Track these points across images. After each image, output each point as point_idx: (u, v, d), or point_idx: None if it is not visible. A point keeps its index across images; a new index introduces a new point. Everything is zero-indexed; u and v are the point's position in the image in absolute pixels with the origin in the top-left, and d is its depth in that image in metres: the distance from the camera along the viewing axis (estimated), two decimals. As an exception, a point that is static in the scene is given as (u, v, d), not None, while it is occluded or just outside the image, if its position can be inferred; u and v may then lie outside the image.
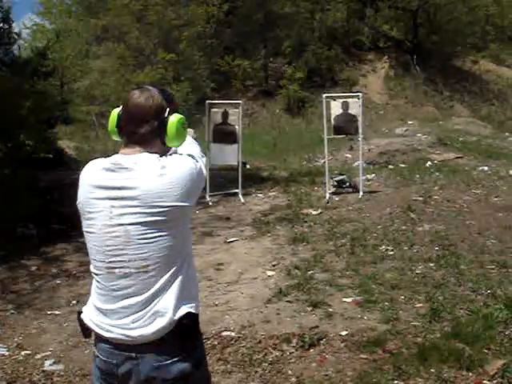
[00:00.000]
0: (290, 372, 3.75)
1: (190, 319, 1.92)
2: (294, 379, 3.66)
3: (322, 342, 4.12)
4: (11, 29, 12.55)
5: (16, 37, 12.53)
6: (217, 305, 5.04)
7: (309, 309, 4.74)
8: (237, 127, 9.44)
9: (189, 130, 2.25)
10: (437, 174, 10.35)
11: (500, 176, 9.78)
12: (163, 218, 1.86)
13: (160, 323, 1.88)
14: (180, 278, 1.92)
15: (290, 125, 19.99)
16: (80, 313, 2.05)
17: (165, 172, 1.87)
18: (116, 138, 2.06)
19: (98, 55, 22.78)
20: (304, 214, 8.11)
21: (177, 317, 1.89)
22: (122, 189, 1.87)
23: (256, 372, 3.78)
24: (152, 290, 1.88)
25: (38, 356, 4.33)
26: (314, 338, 4.15)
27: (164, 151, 2.00)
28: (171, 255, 1.89)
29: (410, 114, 20.04)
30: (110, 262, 1.90)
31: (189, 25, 20.90)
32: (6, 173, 8.40)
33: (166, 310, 1.89)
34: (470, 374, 3.49)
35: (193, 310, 1.93)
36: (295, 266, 5.86)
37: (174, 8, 20.90)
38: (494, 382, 3.40)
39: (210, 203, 9.24)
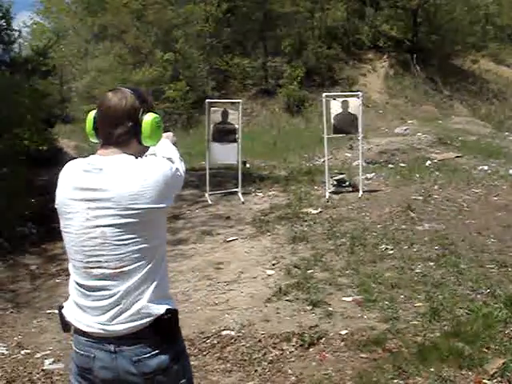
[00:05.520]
0: (289, 371, 3.75)
1: (171, 314, 1.95)
2: (293, 378, 3.66)
3: (321, 341, 4.12)
4: (11, 27, 12.52)
5: (17, 35, 12.51)
6: (216, 304, 5.04)
7: (308, 308, 4.74)
8: (237, 126, 9.43)
9: (168, 133, 2.29)
10: (436, 173, 10.34)
11: (500, 175, 9.77)
12: (138, 220, 1.88)
13: (140, 322, 1.91)
14: (156, 278, 1.94)
15: (289, 124, 19.97)
16: (61, 307, 2.06)
17: (139, 174, 1.90)
18: (94, 139, 2.09)
19: (96, 54, 22.75)
20: (304, 213, 8.09)
21: (156, 315, 1.92)
22: (97, 190, 1.89)
23: (256, 371, 3.78)
24: (127, 289, 1.90)
25: (38, 355, 4.33)
26: (314, 337, 4.15)
27: (142, 151, 2.05)
28: (147, 256, 1.91)
29: (410, 114, 20.02)
30: (88, 262, 1.92)
31: (188, 24, 20.89)
32: (5, 171, 8.39)
33: (144, 310, 1.91)
34: (470, 373, 3.49)
35: (171, 306, 1.96)
36: (295, 265, 5.85)
37: (173, 7, 20.90)
38: (494, 381, 3.40)
39: (210, 202, 9.23)
